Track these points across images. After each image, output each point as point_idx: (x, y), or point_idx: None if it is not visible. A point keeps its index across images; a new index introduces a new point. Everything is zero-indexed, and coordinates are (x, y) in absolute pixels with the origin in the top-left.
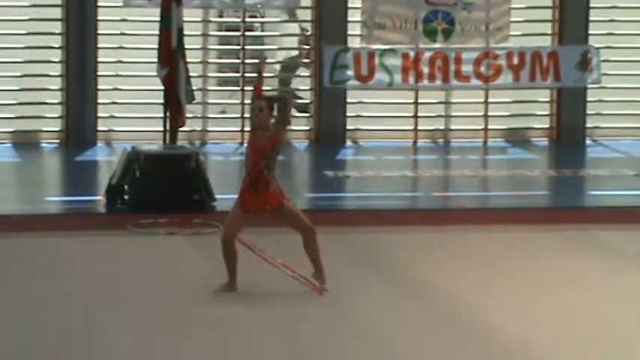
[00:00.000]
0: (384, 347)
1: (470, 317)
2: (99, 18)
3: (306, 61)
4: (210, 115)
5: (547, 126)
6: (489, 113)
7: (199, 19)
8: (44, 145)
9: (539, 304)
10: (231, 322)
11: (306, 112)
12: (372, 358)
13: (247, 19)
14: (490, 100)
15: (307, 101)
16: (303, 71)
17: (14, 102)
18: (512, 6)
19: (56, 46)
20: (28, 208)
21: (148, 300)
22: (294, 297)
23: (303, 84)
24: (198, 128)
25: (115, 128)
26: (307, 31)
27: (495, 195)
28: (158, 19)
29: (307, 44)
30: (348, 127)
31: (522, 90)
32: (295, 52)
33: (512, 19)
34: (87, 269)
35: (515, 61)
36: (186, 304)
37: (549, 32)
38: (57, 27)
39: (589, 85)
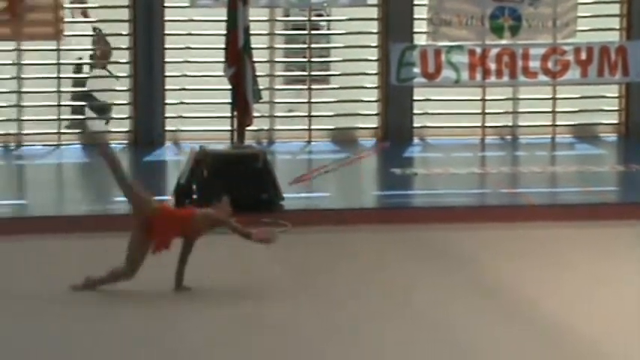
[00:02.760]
0: (449, 341)
1: (538, 313)
2: (166, 18)
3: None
4: (277, 114)
5: (615, 121)
6: (557, 109)
7: (266, 19)
8: (113, 145)
9: (609, 299)
10: (295, 321)
11: (106, 112)
12: (438, 352)
13: (313, 18)
14: (558, 96)
15: (107, 102)
16: (100, 72)
17: (84, 103)
18: (579, 1)
19: (124, 47)
20: (97, 209)
21: (218, 296)
22: (357, 293)
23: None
24: (266, 127)
25: (183, 128)
26: (100, 30)
27: (563, 191)
28: (225, 18)
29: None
30: (415, 124)
31: (590, 86)
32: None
33: (579, 14)
34: (159, 268)
35: (583, 56)
36: (257, 302)
37: (617, 27)
38: (125, 28)
39: None
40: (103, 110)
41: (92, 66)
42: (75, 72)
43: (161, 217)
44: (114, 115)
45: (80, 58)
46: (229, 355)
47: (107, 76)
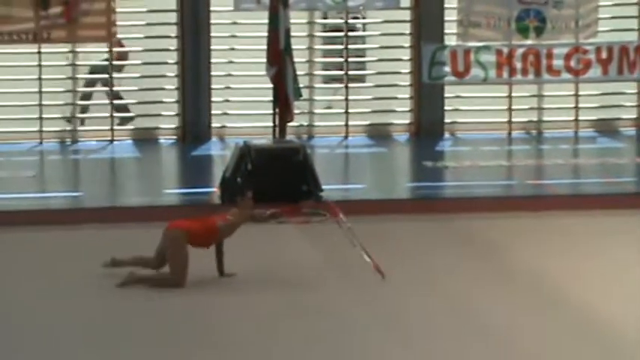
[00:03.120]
0: (480, 326)
1: (565, 298)
2: (211, 21)
3: (120, 62)
4: (316, 111)
5: (634, 116)
6: (579, 105)
7: (305, 21)
8: (162, 140)
9: (634, 284)
10: (338, 306)
11: (127, 111)
12: (469, 336)
13: (350, 20)
14: (580, 92)
15: (129, 101)
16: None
17: (134, 101)
18: (600, 3)
19: (172, 48)
20: (148, 200)
21: (264, 283)
22: (392, 279)
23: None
24: (305, 123)
25: (228, 124)
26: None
27: (586, 182)
28: (267, 21)
29: (121, 45)
30: (446, 120)
31: (611, 82)
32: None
33: (600, 16)
34: (207, 255)
35: (604, 55)
36: (300, 289)
37: (636, 27)
38: (172, 30)
39: None
40: (125, 110)
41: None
42: (91, 72)
43: (193, 236)
44: (163, 113)
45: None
46: (275, 339)
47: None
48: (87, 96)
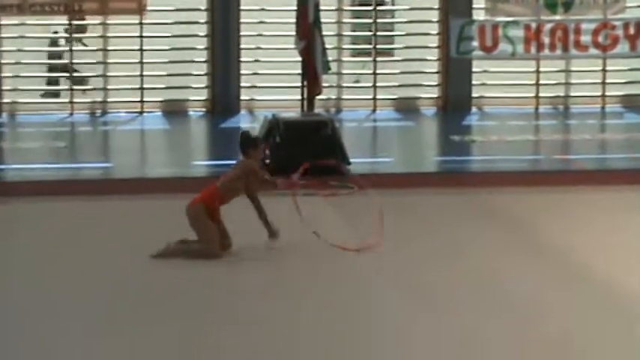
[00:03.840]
0: (504, 298)
1: (589, 271)
2: None
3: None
4: (344, 85)
5: None
6: (607, 81)
7: None
8: (191, 113)
9: None
10: (363, 274)
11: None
12: (493, 308)
13: None
14: (607, 68)
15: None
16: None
17: (164, 74)
18: None
19: (202, 21)
20: (176, 172)
21: (294, 251)
22: (418, 252)
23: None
24: (334, 96)
25: (257, 97)
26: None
27: (612, 157)
28: None
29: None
30: (474, 94)
31: (638, 58)
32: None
33: None
34: (239, 225)
35: (632, 31)
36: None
37: None
38: (202, 3)
39: None
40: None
41: (69, 40)
42: (51, 45)
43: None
44: (192, 85)
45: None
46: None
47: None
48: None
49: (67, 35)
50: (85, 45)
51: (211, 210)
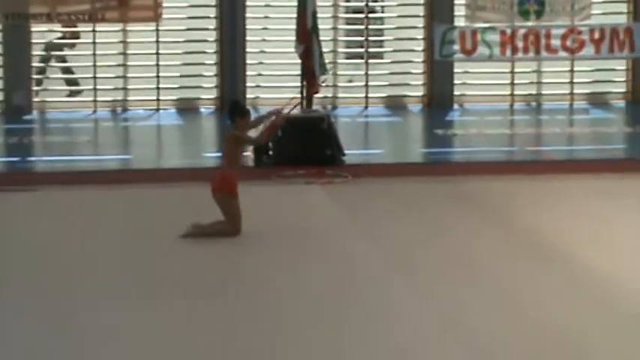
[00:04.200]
0: (479, 274)
1: (557, 250)
2: (247, 3)
3: (73, 41)
4: (339, 84)
5: (624, 90)
6: (574, 80)
7: (330, 4)
8: (202, 110)
9: (623, 238)
10: (362, 256)
11: (76, 85)
12: (470, 284)
13: (370, 3)
14: (575, 69)
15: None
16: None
17: (178, 75)
18: None
19: (212, 28)
20: (189, 163)
21: (296, 234)
22: (404, 234)
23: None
24: (330, 95)
25: (261, 95)
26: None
27: (580, 149)
28: (296, 3)
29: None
30: (455, 93)
31: (602, 60)
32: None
33: (594, 0)
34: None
35: (597, 36)
36: (324, 239)
37: (625, 11)
38: (212, 11)
39: None
40: (74, 83)
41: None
42: (45, 50)
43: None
44: (203, 85)
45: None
46: (300, 283)
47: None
48: (42, 70)
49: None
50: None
51: (231, 189)
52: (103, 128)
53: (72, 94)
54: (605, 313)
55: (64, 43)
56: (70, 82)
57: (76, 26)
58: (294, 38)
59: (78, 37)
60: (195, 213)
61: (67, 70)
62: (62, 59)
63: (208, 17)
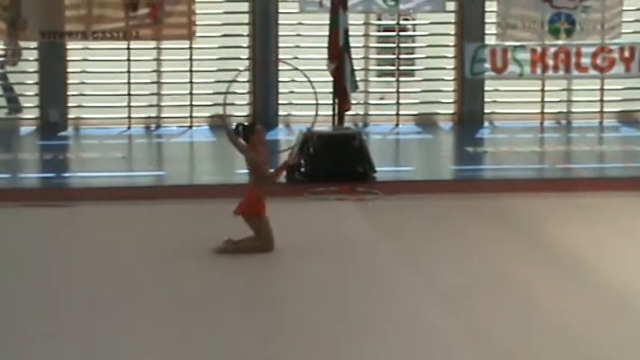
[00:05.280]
0: (513, 288)
1: (588, 265)
2: (279, 22)
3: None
4: (370, 102)
5: None
6: (604, 98)
7: (362, 22)
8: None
9: None
10: (394, 272)
11: (16, 102)
12: (503, 297)
13: (401, 22)
14: (605, 87)
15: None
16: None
17: (211, 92)
18: (624, 8)
19: (245, 45)
20: (221, 179)
21: (327, 251)
22: (436, 251)
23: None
24: (361, 112)
25: (293, 113)
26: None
27: (610, 166)
28: (328, 22)
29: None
30: (486, 110)
31: (632, 79)
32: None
33: (624, 20)
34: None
35: (627, 54)
36: (354, 255)
37: None
38: (245, 30)
39: None
40: (13, 100)
41: (4, 63)
42: None
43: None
44: (235, 102)
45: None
46: (332, 299)
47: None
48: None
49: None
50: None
51: (257, 211)
52: (136, 145)
53: (10, 112)
54: (633, 326)
55: (4, 61)
56: (10, 100)
57: (18, 45)
58: (326, 56)
59: (20, 55)
60: (228, 229)
61: (8, 89)
62: (3, 76)
63: (241, 35)
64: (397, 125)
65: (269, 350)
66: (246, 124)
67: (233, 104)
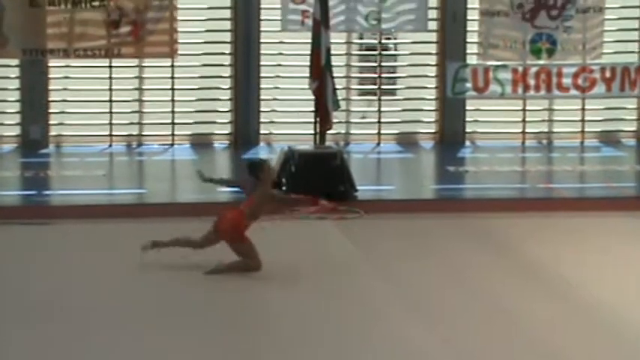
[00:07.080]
0: (494, 309)
1: (569, 286)
2: (261, 40)
3: None
4: (352, 120)
5: (634, 129)
6: (586, 118)
7: (343, 41)
8: (216, 145)
9: (633, 276)
10: (375, 293)
11: None
12: (485, 318)
13: (383, 41)
14: (586, 107)
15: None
16: None
17: (193, 110)
18: (605, 29)
19: (226, 63)
20: (203, 197)
21: (308, 270)
22: (419, 268)
23: None
24: (343, 131)
25: (274, 131)
26: None
27: (590, 186)
28: (310, 40)
29: None
30: (467, 130)
31: (613, 99)
32: None
33: (605, 40)
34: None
35: (608, 74)
36: (337, 275)
37: (636, 50)
38: (227, 48)
39: None
40: None
41: None
42: None
43: (233, 233)
44: (217, 121)
45: None
46: (311, 319)
47: None
48: None
49: None
50: None
51: (240, 232)
52: (118, 162)
53: None
54: (613, 344)
55: None
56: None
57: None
58: (307, 75)
59: None
60: (210, 248)
61: None
62: None
63: (223, 53)
64: (378, 144)
65: None
66: (254, 161)
67: (214, 122)
